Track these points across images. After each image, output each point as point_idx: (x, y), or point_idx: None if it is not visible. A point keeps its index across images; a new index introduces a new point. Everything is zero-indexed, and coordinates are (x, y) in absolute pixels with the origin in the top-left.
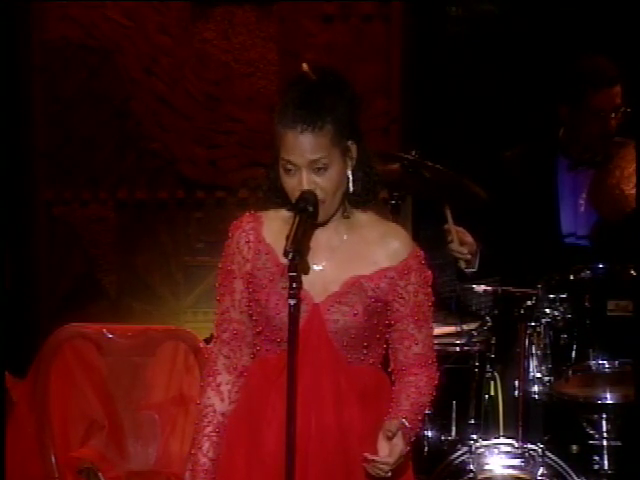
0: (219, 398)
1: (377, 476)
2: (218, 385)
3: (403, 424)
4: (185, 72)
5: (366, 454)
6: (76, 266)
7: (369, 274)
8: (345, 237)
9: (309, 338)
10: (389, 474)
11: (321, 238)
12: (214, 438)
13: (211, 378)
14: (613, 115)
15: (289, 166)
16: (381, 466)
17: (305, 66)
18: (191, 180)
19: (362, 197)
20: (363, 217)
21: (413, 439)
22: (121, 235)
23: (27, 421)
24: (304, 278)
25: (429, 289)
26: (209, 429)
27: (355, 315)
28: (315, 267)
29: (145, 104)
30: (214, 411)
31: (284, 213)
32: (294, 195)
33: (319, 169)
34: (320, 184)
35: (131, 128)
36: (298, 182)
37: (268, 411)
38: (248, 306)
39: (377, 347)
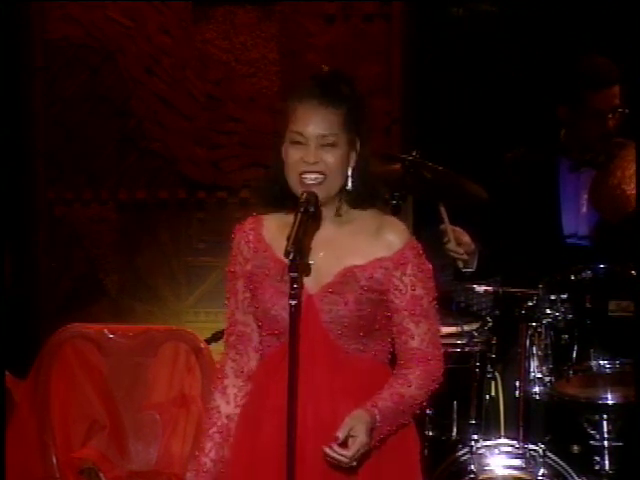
0: (225, 400)
1: (343, 466)
2: (225, 388)
3: (372, 413)
4: (186, 72)
5: (324, 447)
6: (77, 266)
7: (363, 264)
8: (340, 230)
9: (305, 330)
10: (354, 463)
11: (316, 232)
12: (217, 439)
13: (219, 381)
14: (611, 116)
15: (298, 138)
16: (339, 458)
17: (325, 67)
18: (192, 180)
19: (358, 198)
20: (360, 212)
21: (394, 429)
22: (122, 235)
23: (28, 421)
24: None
25: (429, 283)
26: (212, 430)
27: (345, 304)
28: (310, 261)
29: (146, 104)
30: (219, 412)
31: (282, 216)
32: (296, 169)
33: (326, 145)
34: (326, 160)
35: (132, 128)
36: (305, 154)
37: (268, 404)
38: (250, 306)
39: (378, 339)
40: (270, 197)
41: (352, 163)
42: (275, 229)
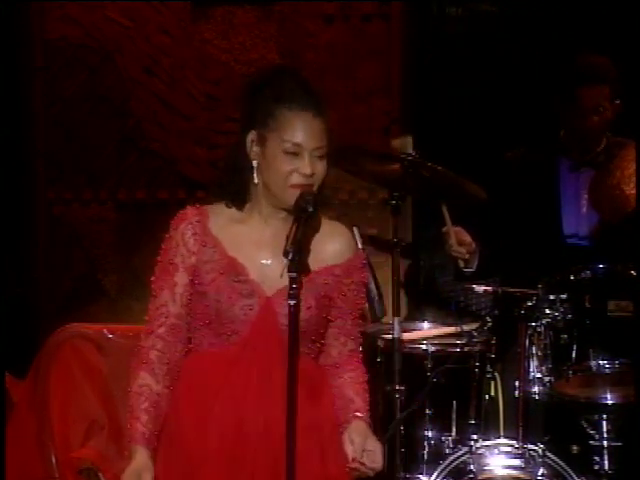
0: (154, 380)
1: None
2: (152, 369)
3: (366, 421)
4: (185, 72)
5: (354, 465)
6: (76, 266)
7: (318, 269)
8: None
9: (261, 332)
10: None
11: (267, 233)
12: (152, 412)
13: (144, 365)
14: (594, 114)
15: (294, 149)
16: (371, 473)
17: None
18: (191, 180)
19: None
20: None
21: None
22: (121, 235)
23: (27, 421)
24: (254, 272)
25: (364, 289)
26: (146, 404)
27: (308, 308)
28: (263, 261)
29: (145, 104)
30: (150, 390)
31: (229, 210)
32: (290, 180)
33: (318, 157)
34: (318, 170)
35: (131, 128)
36: (300, 166)
37: (215, 408)
38: (189, 300)
39: (318, 342)
40: (230, 192)
41: None
42: (223, 223)
